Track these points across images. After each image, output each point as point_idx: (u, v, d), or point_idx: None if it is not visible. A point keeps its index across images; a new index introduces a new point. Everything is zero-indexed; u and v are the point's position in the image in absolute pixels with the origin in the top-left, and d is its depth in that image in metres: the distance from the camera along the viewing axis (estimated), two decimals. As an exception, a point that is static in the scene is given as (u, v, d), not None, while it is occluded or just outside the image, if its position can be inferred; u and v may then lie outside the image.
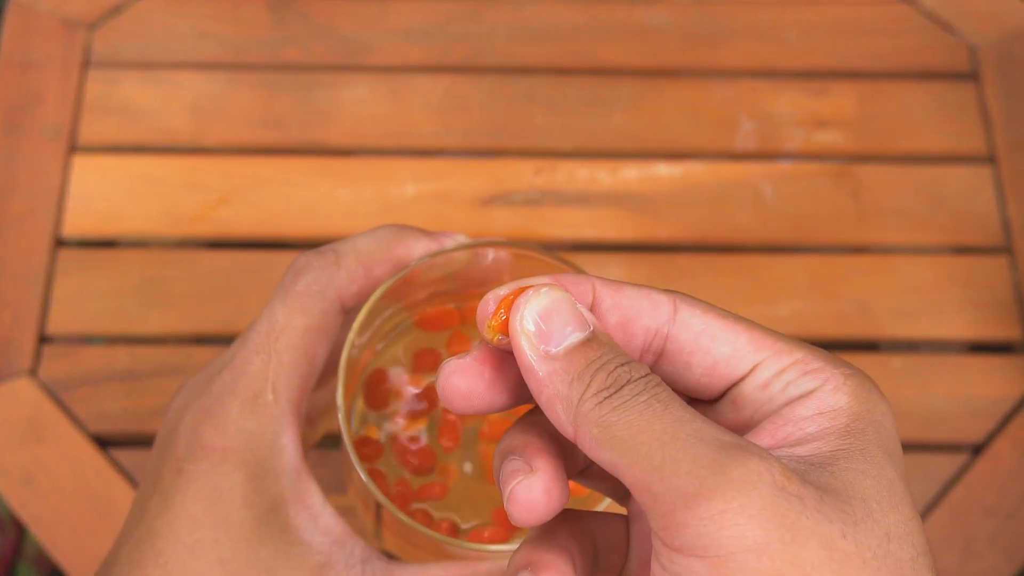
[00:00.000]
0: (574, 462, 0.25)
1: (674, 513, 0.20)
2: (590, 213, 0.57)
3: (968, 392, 0.53)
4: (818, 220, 0.57)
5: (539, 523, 0.23)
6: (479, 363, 0.24)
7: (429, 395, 0.34)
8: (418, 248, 0.33)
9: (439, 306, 0.35)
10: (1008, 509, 0.50)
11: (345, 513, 0.32)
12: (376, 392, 0.34)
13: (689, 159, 0.58)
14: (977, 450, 0.52)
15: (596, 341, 0.23)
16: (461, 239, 0.34)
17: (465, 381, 0.24)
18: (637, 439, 0.21)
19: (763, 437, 0.23)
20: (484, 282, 0.35)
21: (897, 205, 0.58)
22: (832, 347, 0.54)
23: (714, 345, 0.24)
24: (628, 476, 0.21)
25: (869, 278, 0.56)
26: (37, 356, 0.53)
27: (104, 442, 0.51)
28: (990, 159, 0.59)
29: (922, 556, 0.22)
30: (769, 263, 0.56)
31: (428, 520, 0.33)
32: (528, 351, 0.23)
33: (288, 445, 0.31)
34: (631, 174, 0.58)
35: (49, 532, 0.49)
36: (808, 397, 0.23)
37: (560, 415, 0.22)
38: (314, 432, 0.37)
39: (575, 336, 0.23)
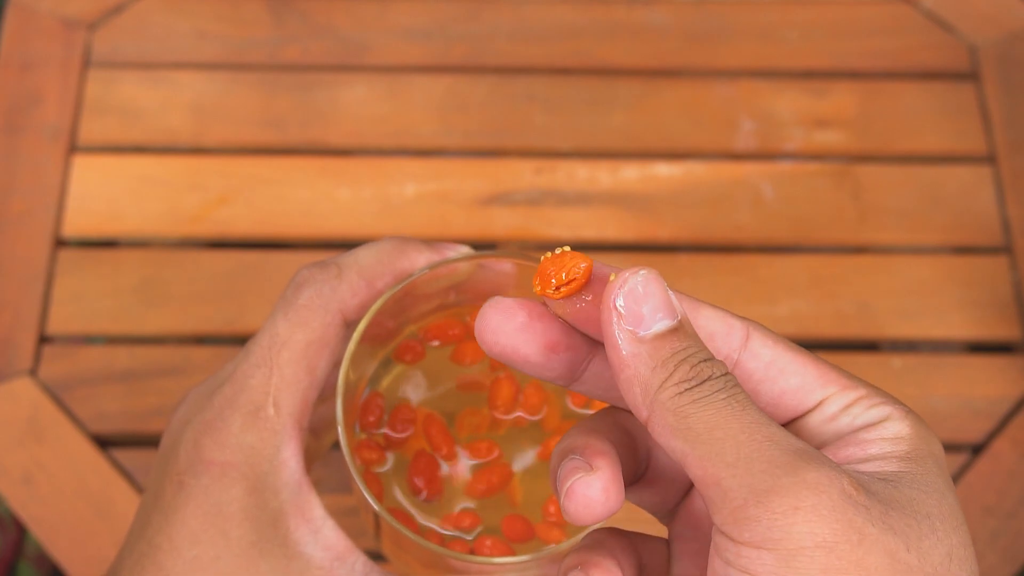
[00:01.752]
0: (628, 472, 0.26)
1: (745, 507, 0.21)
2: (590, 213, 0.57)
3: (968, 392, 0.53)
4: (818, 220, 0.57)
5: (593, 522, 0.24)
6: (517, 306, 0.24)
7: (414, 418, 0.34)
8: (420, 260, 0.33)
9: (445, 319, 0.35)
10: (1008, 509, 0.50)
11: (350, 514, 0.32)
12: (369, 414, 0.34)
13: (689, 159, 0.58)
14: (977, 450, 0.52)
15: (683, 331, 0.23)
16: (464, 251, 0.34)
17: (497, 316, 0.24)
18: (712, 434, 0.22)
19: (827, 455, 0.24)
20: (489, 293, 0.35)
21: (897, 205, 0.58)
22: (832, 347, 0.54)
23: (782, 377, 0.25)
24: (698, 468, 0.22)
25: (869, 278, 0.56)
26: (37, 356, 0.53)
27: (104, 442, 0.51)
28: (990, 159, 0.59)
29: None
30: (769, 263, 0.56)
31: (437, 537, 0.32)
32: (617, 330, 0.23)
33: (289, 459, 0.30)
34: (631, 174, 0.58)
35: (49, 532, 0.49)
36: (872, 426, 0.24)
37: (637, 397, 0.23)
38: (320, 444, 0.37)
39: (664, 323, 0.23)
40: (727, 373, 0.23)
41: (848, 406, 0.24)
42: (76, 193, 0.56)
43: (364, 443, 0.34)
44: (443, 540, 0.32)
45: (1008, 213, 0.57)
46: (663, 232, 0.57)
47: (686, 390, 0.22)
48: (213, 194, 0.57)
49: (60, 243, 0.56)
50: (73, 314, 0.54)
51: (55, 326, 0.53)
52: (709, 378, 0.22)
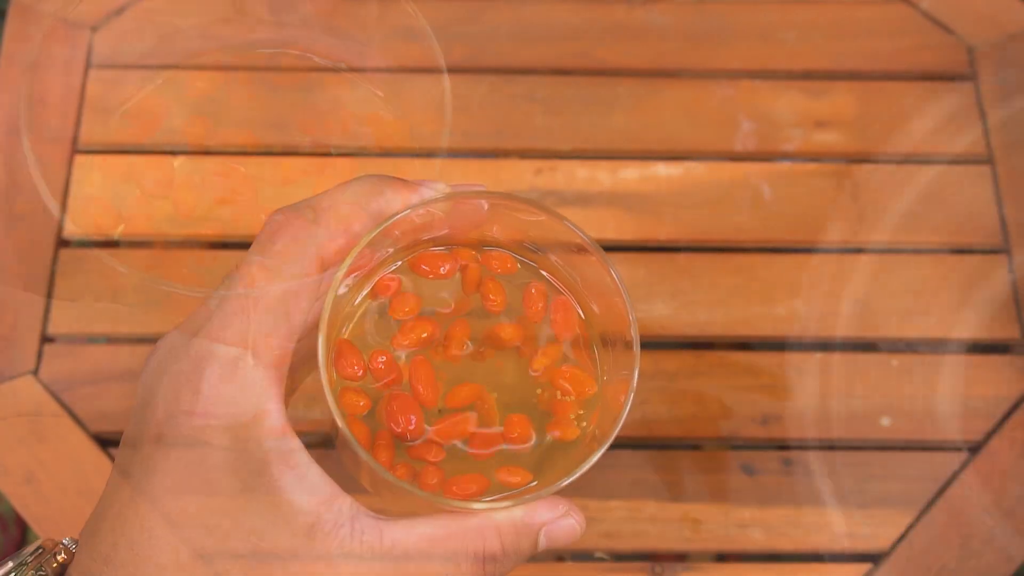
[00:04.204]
0: None
1: None
2: (590, 213, 0.57)
3: (966, 391, 0.53)
4: (817, 220, 0.57)
5: None
6: None
7: (393, 366, 0.34)
8: (397, 200, 0.33)
9: (429, 250, 0.35)
10: (1006, 508, 0.51)
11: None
12: (344, 362, 0.34)
13: (689, 159, 0.59)
14: (975, 449, 0.52)
15: None
16: (441, 187, 0.33)
17: None
18: None
19: None
20: (466, 227, 0.35)
21: (895, 205, 0.58)
22: (831, 347, 0.55)
23: None
24: None
25: (868, 278, 0.56)
26: (39, 356, 0.53)
27: (105, 441, 0.51)
28: (988, 159, 0.59)
29: None
30: (769, 263, 0.56)
31: (413, 472, 0.32)
32: None
33: (272, 409, 0.30)
34: (631, 174, 0.58)
35: (51, 531, 0.49)
36: None
37: None
38: (293, 381, 0.36)
39: None
40: None
41: None
42: (78, 193, 0.57)
43: (345, 388, 0.33)
44: (415, 472, 0.32)
45: (1006, 213, 0.57)
46: (663, 232, 0.57)
47: None
48: (214, 194, 0.57)
49: (62, 243, 0.56)
50: (75, 314, 0.54)
51: (57, 326, 0.53)
52: None
